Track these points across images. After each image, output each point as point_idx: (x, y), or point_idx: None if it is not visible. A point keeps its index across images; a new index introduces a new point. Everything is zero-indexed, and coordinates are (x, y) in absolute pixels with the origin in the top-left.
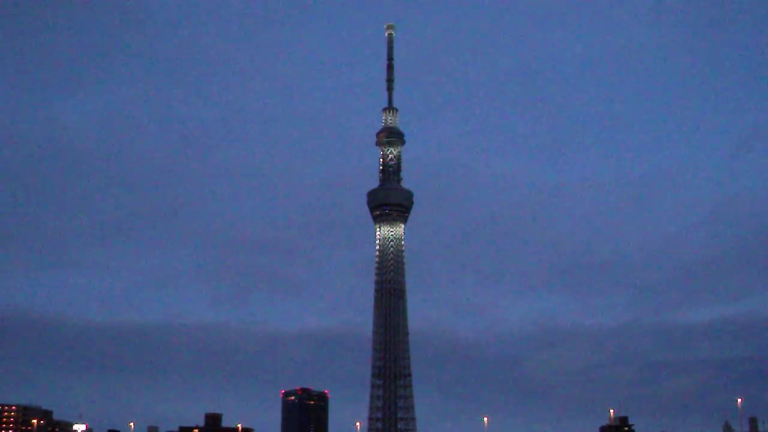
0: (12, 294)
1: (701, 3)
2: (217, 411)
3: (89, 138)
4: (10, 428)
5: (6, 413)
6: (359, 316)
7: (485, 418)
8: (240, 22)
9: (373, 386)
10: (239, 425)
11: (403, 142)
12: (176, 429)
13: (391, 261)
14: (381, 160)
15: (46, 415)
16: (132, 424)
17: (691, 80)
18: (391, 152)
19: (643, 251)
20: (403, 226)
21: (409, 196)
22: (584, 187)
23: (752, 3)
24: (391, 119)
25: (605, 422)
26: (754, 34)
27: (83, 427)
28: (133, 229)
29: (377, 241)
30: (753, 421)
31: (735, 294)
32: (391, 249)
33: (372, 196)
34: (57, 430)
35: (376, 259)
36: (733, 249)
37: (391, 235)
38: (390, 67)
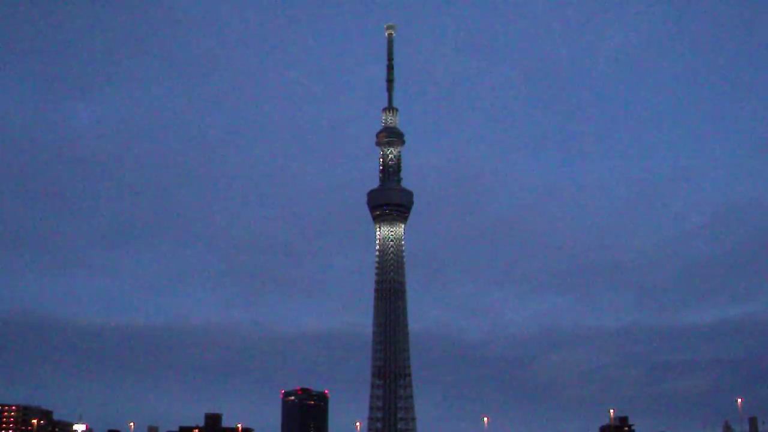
0: (20, 295)
1: (713, 6)
2: (217, 411)
3: (100, 141)
4: (10, 428)
5: (6, 413)
6: (359, 316)
7: (485, 418)
8: (241, 23)
9: (373, 386)
10: (239, 425)
11: (403, 142)
12: (176, 429)
13: (391, 261)
14: (381, 160)
15: (46, 415)
16: (132, 424)
17: (699, 83)
18: (391, 152)
19: (647, 253)
20: (403, 226)
21: (409, 196)
22: (588, 189)
23: (765, 6)
24: (391, 119)
25: (605, 422)
26: (765, 39)
27: (83, 427)
28: (140, 232)
29: (377, 241)
30: (753, 421)
31: (737, 296)
32: (391, 249)
33: (372, 196)
34: (57, 430)
35: (376, 259)
36: (735, 251)
37: (391, 235)
38: (390, 67)
